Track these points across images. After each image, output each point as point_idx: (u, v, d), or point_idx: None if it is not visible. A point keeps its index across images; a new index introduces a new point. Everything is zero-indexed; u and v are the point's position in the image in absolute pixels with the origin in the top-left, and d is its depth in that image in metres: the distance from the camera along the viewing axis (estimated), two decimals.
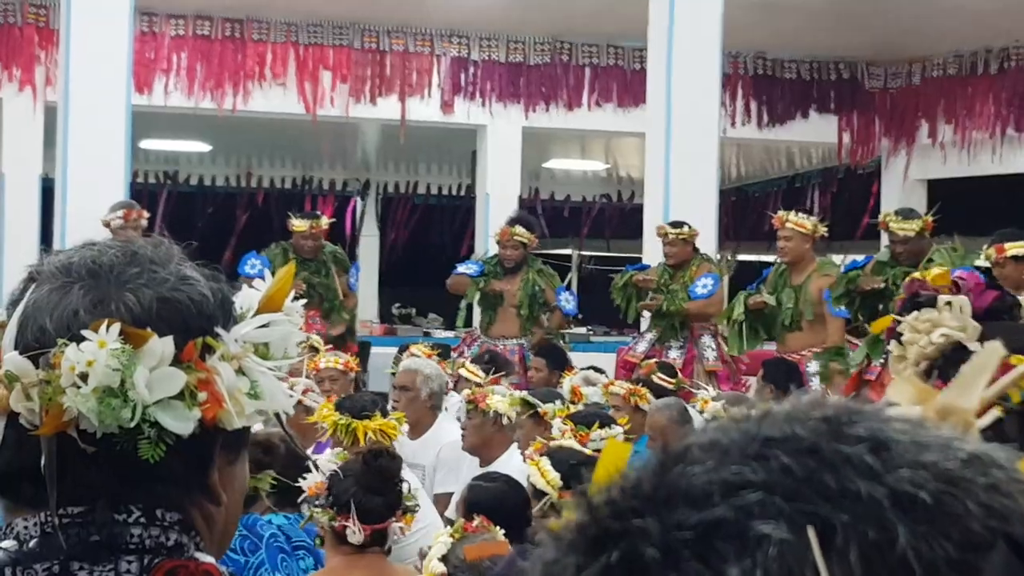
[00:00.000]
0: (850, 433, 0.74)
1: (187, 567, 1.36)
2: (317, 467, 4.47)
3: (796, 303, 9.50)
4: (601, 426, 5.94)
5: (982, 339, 1.61)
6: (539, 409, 6.56)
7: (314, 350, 9.14)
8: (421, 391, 7.55)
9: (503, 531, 4.02)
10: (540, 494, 4.97)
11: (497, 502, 4.69)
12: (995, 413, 0.80)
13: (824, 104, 14.42)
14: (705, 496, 0.73)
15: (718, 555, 0.71)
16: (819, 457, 0.73)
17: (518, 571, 0.75)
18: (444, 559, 3.76)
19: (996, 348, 0.84)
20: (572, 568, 0.74)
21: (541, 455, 5.09)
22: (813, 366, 9.22)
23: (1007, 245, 8.23)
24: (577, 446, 5.44)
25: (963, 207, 13.93)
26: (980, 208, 14.49)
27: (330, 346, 9.28)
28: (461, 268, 11.03)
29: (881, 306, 8.87)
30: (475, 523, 3.96)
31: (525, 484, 5.19)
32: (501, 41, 13.73)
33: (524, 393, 6.95)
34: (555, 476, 4.93)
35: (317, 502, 4.40)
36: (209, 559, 1.40)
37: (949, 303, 1.62)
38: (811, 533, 0.70)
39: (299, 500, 4.60)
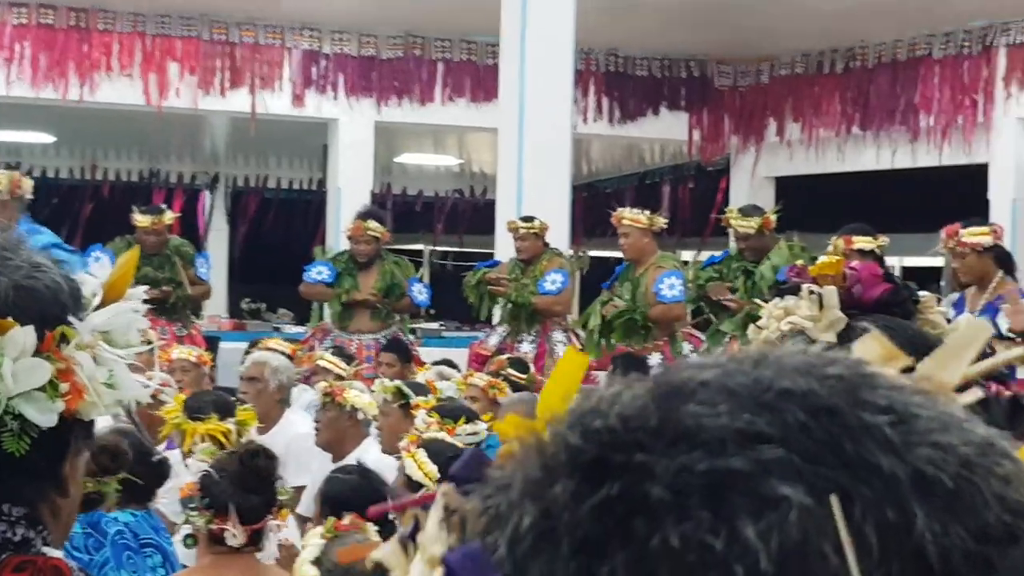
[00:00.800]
0: (869, 400, 0.70)
1: (35, 563, 1.31)
2: (169, 465, 4.38)
3: (633, 297, 9.60)
4: (467, 421, 5.92)
5: (848, 331, 1.61)
6: (412, 401, 6.52)
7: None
8: (270, 383, 7.49)
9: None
10: (416, 486, 4.95)
11: (354, 493, 4.65)
12: (977, 393, 0.78)
13: (675, 101, 14.55)
14: (719, 442, 0.68)
15: (731, 508, 0.66)
16: (839, 421, 0.68)
17: (481, 474, 0.70)
18: (317, 562, 3.70)
19: (983, 325, 0.82)
20: (566, 494, 0.69)
21: (417, 447, 5.06)
22: (655, 358, 9.30)
23: (855, 238, 8.39)
24: (449, 439, 5.42)
25: (810, 204, 14.17)
26: (827, 205, 14.74)
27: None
28: (313, 275, 10.88)
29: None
30: (346, 521, 3.91)
31: (394, 476, 5.16)
32: (353, 35, 13.64)
33: (399, 382, 6.90)
34: (432, 468, 4.92)
35: (191, 504, 4.31)
36: (57, 554, 1.36)
37: (812, 292, 1.62)
38: (834, 502, 0.66)
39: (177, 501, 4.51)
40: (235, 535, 4.21)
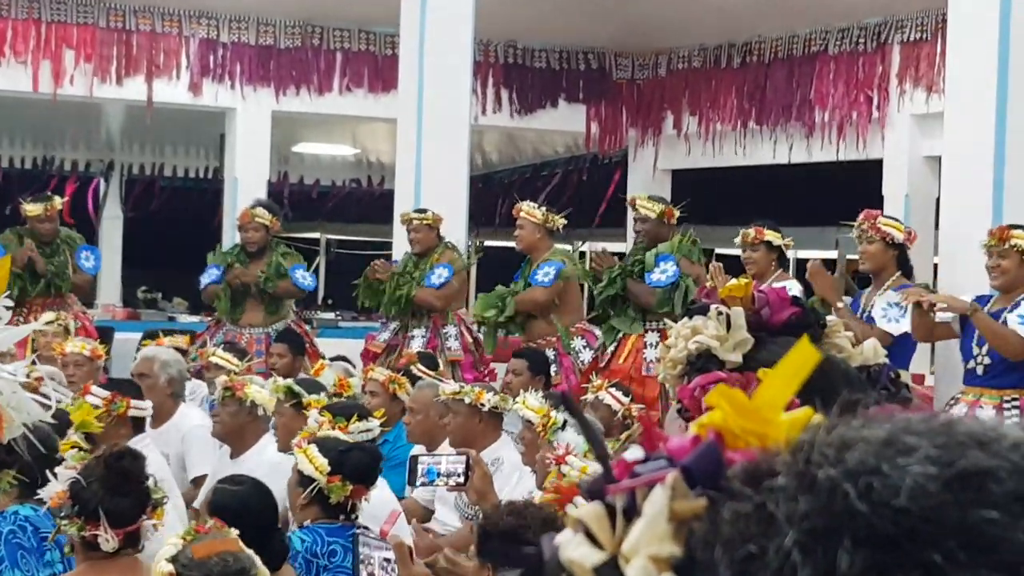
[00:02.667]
0: None
1: None
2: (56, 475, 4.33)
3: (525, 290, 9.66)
4: (360, 418, 5.91)
5: (755, 352, 1.63)
6: (304, 400, 6.49)
7: (67, 331, 8.95)
8: (159, 378, 7.44)
9: (252, 534, 3.95)
10: (308, 480, 4.94)
11: (243, 506, 4.62)
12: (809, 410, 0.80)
13: (573, 94, 14.59)
14: (1018, 566, 0.71)
15: None
16: None
17: (719, 472, 0.69)
18: (173, 559, 3.68)
19: (808, 348, 0.83)
20: (855, 567, 0.72)
21: (309, 443, 5.06)
22: (547, 353, 9.33)
23: (767, 231, 8.49)
24: (342, 436, 5.42)
25: (707, 197, 14.28)
26: (723, 199, 14.89)
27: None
28: (204, 279, 10.89)
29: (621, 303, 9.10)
30: (208, 525, 3.89)
31: (287, 474, 5.14)
32: (251, 23, 13.54)
33: (290, 381, 6.86)
34: (323, 462, 4.92)
35: (62, 513, 4.26)
36: None
37: (720, 313, 1.64)
38: None
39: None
40: (108, 540, 4.17)
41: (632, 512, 0.77)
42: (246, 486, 4.88)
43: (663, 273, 8.85)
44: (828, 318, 1.74)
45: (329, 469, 4.90)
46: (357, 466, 4.96)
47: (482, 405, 6.66)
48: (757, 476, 0.77)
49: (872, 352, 1.71)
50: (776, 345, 1.65)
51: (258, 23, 13.55)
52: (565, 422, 5.76)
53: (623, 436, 7.06)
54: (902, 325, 7.63)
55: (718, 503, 0.76)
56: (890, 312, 7.65)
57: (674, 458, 0.78)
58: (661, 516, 0.75)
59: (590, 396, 7.43)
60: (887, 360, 1.72)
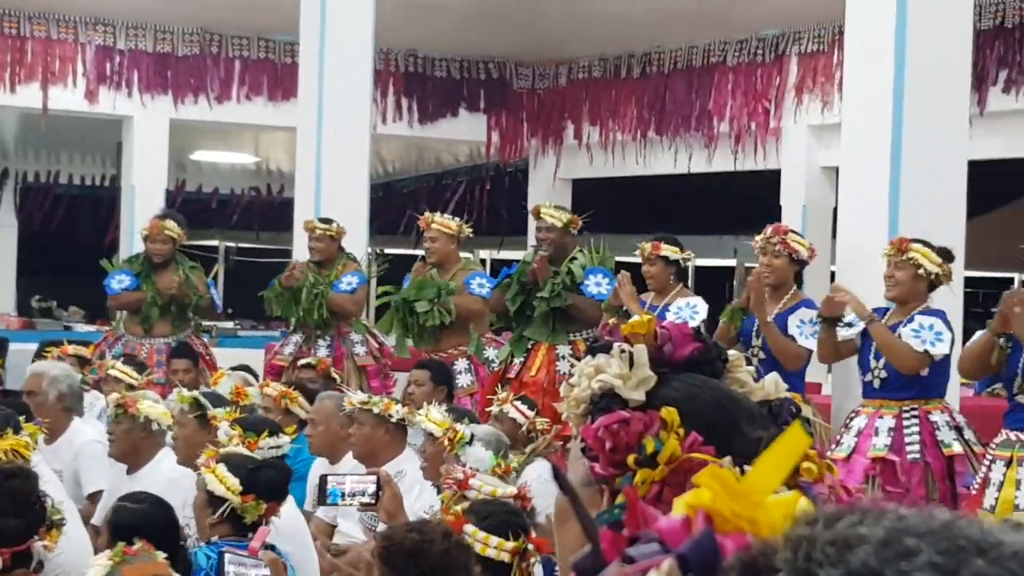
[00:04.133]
0: None
1: None
2: None
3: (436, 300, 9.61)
4: (270, 434, 5.85)
5: (658, 390, 1.63)
6: (209, 413, 6.42)
7: None
8: (48, 394, 7.31)
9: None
10: (218, 501, 4.88)
11: (145, 523, 4.56)
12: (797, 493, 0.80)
13: (474, 103, 14.60)
14: None
15: None
16: None
17: (715, 562, 0.69)
18: None
19: (799, 432, 0.83)
20: None
21: (216, 461, 4.99)
22: (461, 363, 9.31)
23: (663, 246, 8.52)
24: (247, 452, 5.35)
25: (607, 207, 14.34)
26: (623, 208, 14.96)
27: None
28: (115, 285, 10.70)
29: (529, 312, 9.09)
30: (136, 547, 3.83)
31: (186, 489, 5.07)
32: (149, 31, 13.41)
33: (196, 393, 6.78)
34: (234, 482, 4.86)
35: None
36: None
37: (623, 351, 1.63)
38: None
39: None
40: None
41: None
42: (147, 503, 4.82)
43: (598, 286, 8.86)
44: (730, 353, 1.73)
45: (241, 488, 4.84)
46: (269, 484, 4.91)
47: (390, 416, 6.61)
48: (756, 571, 0.76)
49: (774, 386, 1.71)
50: (679, 382, 1.65)
51: (155, 30, 13.42)
52: (472, 436, 5.73)
53: (528, 449, 7.04)
54: (813, 342, 7.69)
55: None
56: (804, 328, 7.71)
57: (666, 542, 0.77)
58: None
59: (495, 408, 7.40)
60: (788, 394, 1.72)
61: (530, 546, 4.13)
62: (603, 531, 0.82)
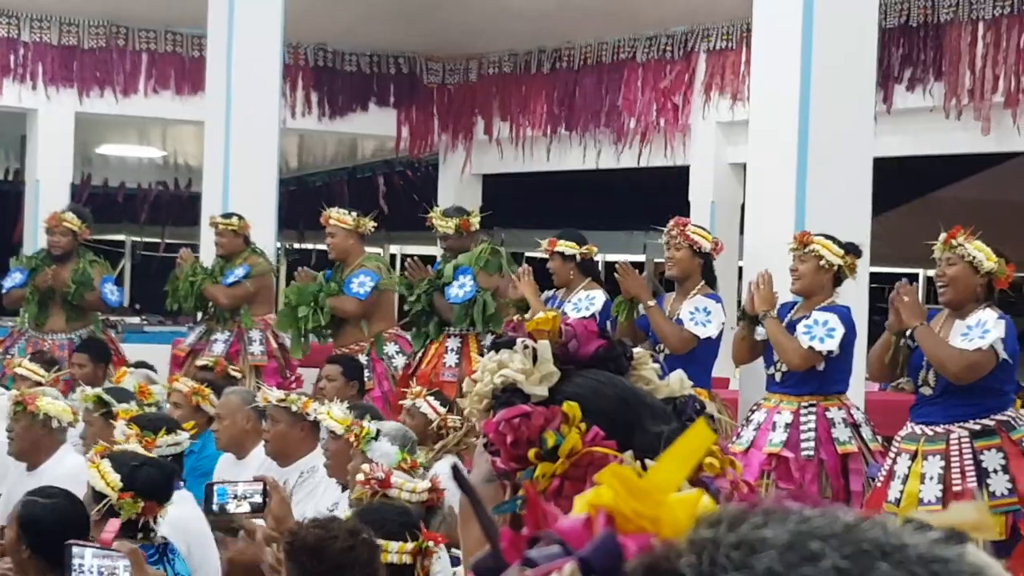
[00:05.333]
0: None
1: None
2: None
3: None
4: (168, 431, 5.80)
5: (561, 385, 1.63)
6: (114, 409, 6.35)
7: None
8: None
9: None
10: (100, 496, 4.83)
11: (56, 516, 4.50)
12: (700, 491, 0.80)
13: (384, 98, 14.54)
14: None
15: None
16: None
17: (617, 566, 0.67)
18: None
19: (703, 427, 0.82)
20: None
21: (102, 457, 4.94)
22: (360, 359, 9.31)
23: (560, 242, 8.56)
24: (141, 450, 5.30)
25: (517, 202, 14.36)
26: (533, 203, 14.98)
27: None
28: (7, 283, 10.62)
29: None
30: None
31: (80, 487, 5.01)
32: (54, 23, 13.23)
33: (99, 391, 6.70)
34: (115, 478, 4.81)
35: None
36: None
37: (526, 346, 1.63)
38: None
39: None
40: None
41: None
42: (59, 498, 4.75)
43: (461, 288, 8.89)
44: (635, 350, 1.73)
45: (121, 485, 4.78)
46: (149, 482, 4.84)
47: (307, 415, 6.58)
48: (659, 575, 0.75)
49: (679, 383, 1.71)
50: (582, 378, 1.65)
51: (61, 22, 13.25)
52: (378, 432, 5.71)
53: (437, 446, 7.03)
54: (708, 329, 7.75)
55: None
56: (697, 316, 7.77)
57: (567, 543, 0.76)
58: None
59: (407, 403, 7.39)
60: (692, 391, 1.72)
61: (429, 543, 4.13)
62: (503, 531, 0.81)
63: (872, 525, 0.77)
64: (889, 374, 7.01)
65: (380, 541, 4.10)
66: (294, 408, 6.63)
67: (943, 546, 0.76)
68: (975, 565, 0.76)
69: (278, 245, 11.14)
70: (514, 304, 8.61)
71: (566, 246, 8.58)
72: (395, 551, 4.10)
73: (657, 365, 1.73)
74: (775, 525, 0.76)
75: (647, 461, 1.54)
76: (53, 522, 4.34)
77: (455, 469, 1.49)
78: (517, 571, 0.76)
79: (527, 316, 8.25)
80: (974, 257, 6.47)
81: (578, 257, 8.61)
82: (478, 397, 1.65)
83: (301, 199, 16.90)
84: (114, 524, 4.23)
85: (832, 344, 7.08)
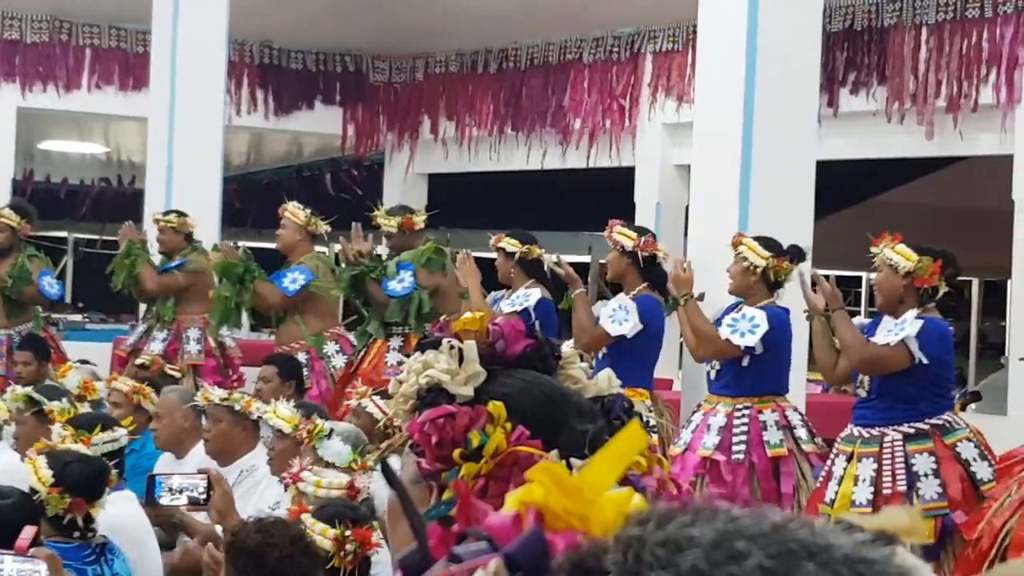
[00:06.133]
0: None
1: None
2: None
3: None
4: (103, 429, 5.75)
5: (487, 385, 1.62)
6: (45, 408, 6.29)
7: None
8: None
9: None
10: (32, 492, 4.79)
11: (21, 516, 4.45)
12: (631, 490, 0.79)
13: (329, 96, 14.50)
14: None
15: None
16: None
17: (543, 562, 0.66)
18: None
19: (637, 431, 0.81)
20: None
21: (39, 453, 4.91)
22: (300, 357, 9.27)
23: (504, 239, 8.58)
24: (83, 448, 5.26)
25: (463, 202, 14.33)
26: (479, 203, 14.97)
27: None
28: None
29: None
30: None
31: (15, 484, 4.97)
32: None
33: (29, 390, 6.63)
34: (47, 474, 4.78)
35: None
36: None
37: (452, 346, 1.62)
38: None
39: None
40: None
41: None
42: (14, 498, 4.70)
43: (400, 283, 8.86)
44: (563, 349, 1.72)
45: (52, 481, 4.75)
46: (78, 479, 4.80)
47: (249, 414, 6.54)
48: (585, 571, 0.74)
49: (606, 382, 1.70)
50: (508, 377, 1.64)
51: (3, 16, 13.14)
52: (332, 431, 5.68)
53: (383, 445, 7.00)
54: (623, 328, 7.77)
55: None
56: (617, 314, 7.80)
57: (494, 539, 0.74)
58: None
59: (353, 402, 7.36)
60: (620, 388, 1.72)
61: (348, 534, 4.11)
62: (431, 527, 0.80)
63: (799, 525, 0.76)
64: (836, 372, 6.95)
65: (311, 519, 4.11)
66: (237, 407, 6.59)
67: (870, 548, 0.76)
68: (902, 567, 0.76)
69: (221, 243, 11.08)
70: (463, 296, 8.63)
71: (508, 243, 8.61)
72: (318, 532, 4.10)
73: (586, 364, 1.73)
74: (702, 524, 0.75)
75: (573, 460, 1.55)
76: (19, 520, 4.30)
77: (384, 466, 1.48)
78: (443, 567, 0.75)
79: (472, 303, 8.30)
80: (892, 261, 6.52)
81: (518, 255, 8.61)
82: (404, 398, 1.64)
83: (246, 197, 16.84)
84: (29, 531, 4.18)
85: (752, 340, 7.11)
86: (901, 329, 6.39)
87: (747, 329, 7.14)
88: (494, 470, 1.56)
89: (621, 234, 8.05)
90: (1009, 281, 10.37)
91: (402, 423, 1.65)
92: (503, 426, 1.58)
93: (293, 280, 9.45)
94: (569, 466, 1.53)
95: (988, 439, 6.65)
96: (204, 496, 4.96)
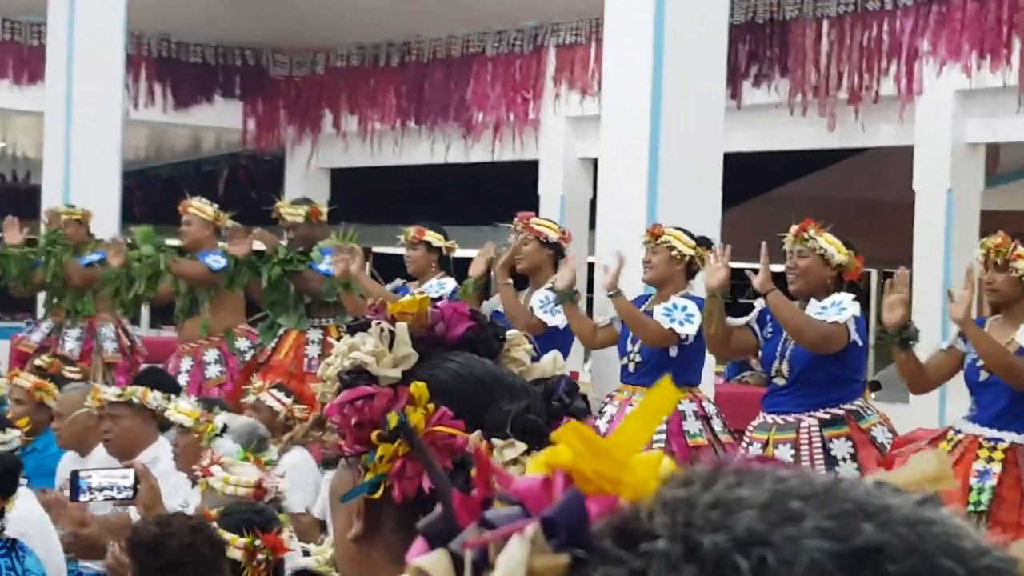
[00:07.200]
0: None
1: None
2: None
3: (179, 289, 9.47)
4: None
5: (416, 368, 1.59)
6: None
7: None
8: None
9: None
10: None
11: None
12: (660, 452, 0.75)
13: (229, 90, 14.37)
14: None
15: None
16: None
17: (583, 523, 0.63)
18: None
19: (670, 388, 0.77)
20: None
21: None
22: (211, 353, 9.16)
23: (428, 232, 8.54)
24: None
25: (365, 196, 14.26)
26: (382, 197, 14.89)
27: None
28: None
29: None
30: None
31: None
32: None
33: None
34: None
35: None
36: None
37: (383, 329, 1.59)
38: None
39: None
40: None
41: (483, 566, 0.71)
42: None
43: (331, 265, 8.79)
44: (508, 333, 1.68)
45: None
46: None
47: (147, 404, 6.44)
48: (631, 537, 0.70)
49: (551, 365, 1.67)
50: (443, 360, 1.62)
51: None
52: (225, 427, 5.59)
53: (285, 437, 6.94)
54: (556, 319, 7.77)
55: (587, 564, 0.70)
56: (548, 305, 7.81)
57: (526, 504, 0.70)
58: (518, 573, 0.68)
59: (251, 398, 7.28)
60: (565, 372, 1.68)
61: (258, 542, 4.04)
62: (455, 494, 0.75)
63: (850, 486, 0.73)
64: (722, 340, 6.94)
65: (227, 535, 4.02)
66: (135, 400, 6.48)
67: (927, 507, 0.74)
68: (959, 526, 0.73)
69: (119, 238, 10.94)
70: (339, 282, 8.55)
71: (434, 237, 8.58)
72: (226, 542, 4.04)
73: (531, 347, 1.69)
74: (750, 485, 0.72)
75: (495, 440, 1.54)
76: None
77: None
78: (474, 532, 0.70)
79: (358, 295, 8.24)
80: (825, 250, 6.55)
81: (444, 251, 8.60)
82: (329, 381, 1.61)
83: (145, 192, 16.63)
84: None
85: (691, 328, 7.14)
86: (842, 309, 6.42)
87: (683, 319, 7.15)
88: (412, 451, 1.54)
89: (543, 225, 8.06)
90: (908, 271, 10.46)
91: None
92: (425, 407, 1.56)
93: (216, 260, 9.33)
94: (491, 447, 1.51)
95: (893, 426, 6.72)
96: (131, 491, 4.87)
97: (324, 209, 9.22)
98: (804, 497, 0.71)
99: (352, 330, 1.65)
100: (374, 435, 1.56)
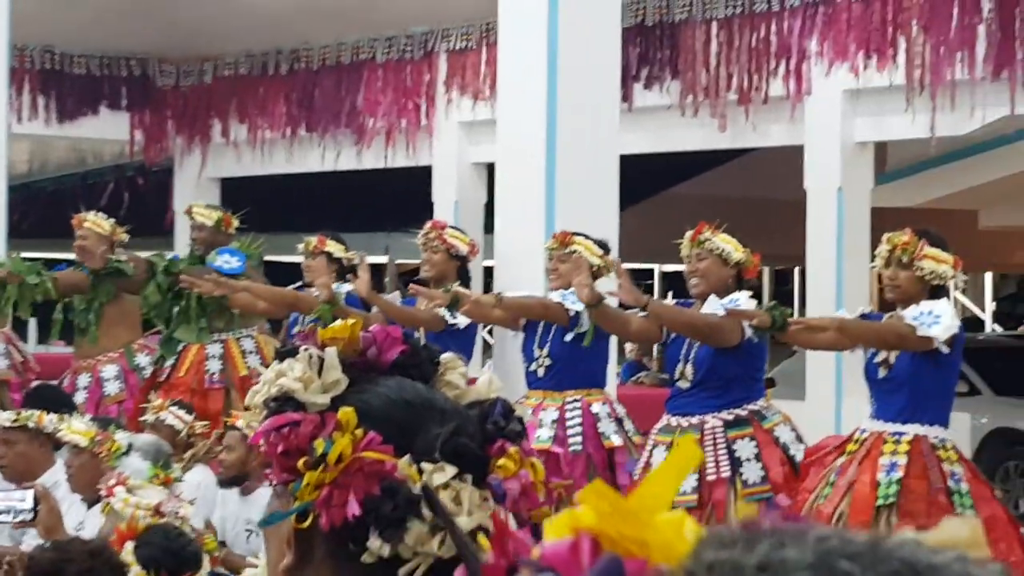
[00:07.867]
0: None
1: None
2: None
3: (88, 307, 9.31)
4: None
5: (346, 394, 1.56)
6: None
7: None
8: None
9: None
10: None
11: None
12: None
13: (115, 101, 14.18)
14: None
15: None
16: None
17: None
18: None
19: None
20: None
21: None
22: (110, 369, 9.02)
23: (329, 242, 8.51)
24: None
25: (257, 205, 14.12)
26: (274, 206, 14.77)
27: None
28: None
29: (177, 308, 8.91)
30: None
31: None
32: None
33: None
34: None
35: None
36: None
37: (312, 355, 1.56)
38: None
39: None
40: None
41: None
42: None
43: (227, 263, 8.70)
44: (444, 356, 1.66)
45: None
46: None
47: (43, 428, 6.30)
48: None
49: (486, 388, 1.64)
50: (374, 384, 1.59)
51: None
52: (130, 447, 5.50)
53: (187, 455, 6.85)
54: (458, 318, 7.74)
55: None
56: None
57: (558, 571, 0.67)
58: None
59: (150, 417, 7.18)
60: (499, 394, 1.65)
61: None
62: (485, 565, 0.73)
63: (895, 544, 0.71)
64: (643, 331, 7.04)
65: (130, 559, 3.95)
66: (31, 425, 6.35)
67: (975, 567, 0.73)
68: None
69: (4, 254, 10.75)
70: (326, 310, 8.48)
71: (336, 248, 8.52)
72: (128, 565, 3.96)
73: (466, 370, 1.66)
74: (793, 545, 0.69)
75: (425, 464, 1.53)
76: None
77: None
78: None
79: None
80: (723, 250, 6.59)
81: (345, 262, 8.54)
82: (256, 409, 1.58)
83: (29, 206, 16.37)
84: None
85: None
86: (738, 306, 6.45)
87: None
88: (339, 478, 1.52)
89: (455, 238, 8.03)
90: (796, 269, 10.58)
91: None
92: (352, 433, 1.53)
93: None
94: (420, 471, 1.48)
95: None
96: (30, 513, 4.77)
97: (235, 222, 9.17)
98: (851, 556, 0.69)
99: (280, 356, 1.62)
100: (300, 463, 1.53)
